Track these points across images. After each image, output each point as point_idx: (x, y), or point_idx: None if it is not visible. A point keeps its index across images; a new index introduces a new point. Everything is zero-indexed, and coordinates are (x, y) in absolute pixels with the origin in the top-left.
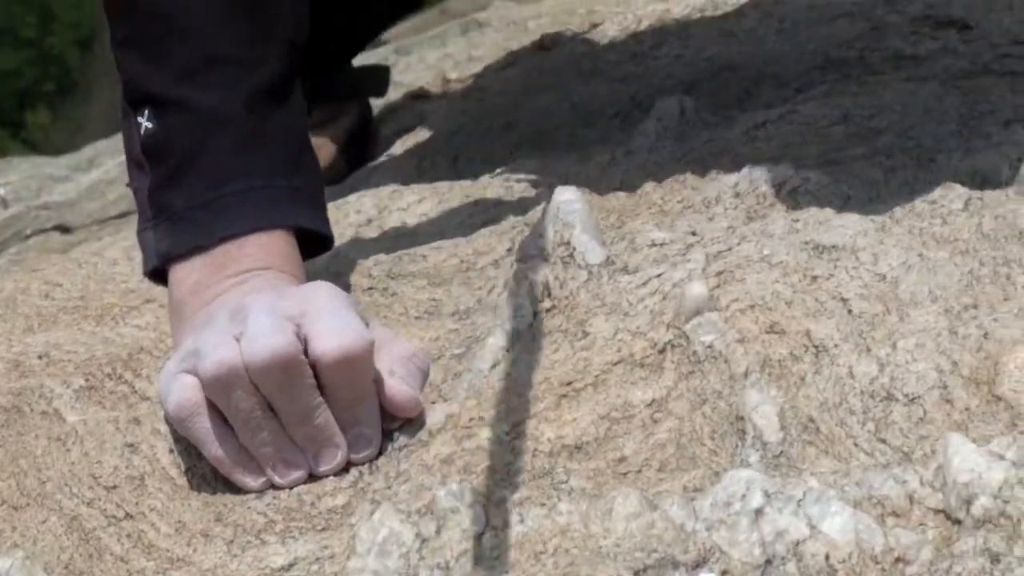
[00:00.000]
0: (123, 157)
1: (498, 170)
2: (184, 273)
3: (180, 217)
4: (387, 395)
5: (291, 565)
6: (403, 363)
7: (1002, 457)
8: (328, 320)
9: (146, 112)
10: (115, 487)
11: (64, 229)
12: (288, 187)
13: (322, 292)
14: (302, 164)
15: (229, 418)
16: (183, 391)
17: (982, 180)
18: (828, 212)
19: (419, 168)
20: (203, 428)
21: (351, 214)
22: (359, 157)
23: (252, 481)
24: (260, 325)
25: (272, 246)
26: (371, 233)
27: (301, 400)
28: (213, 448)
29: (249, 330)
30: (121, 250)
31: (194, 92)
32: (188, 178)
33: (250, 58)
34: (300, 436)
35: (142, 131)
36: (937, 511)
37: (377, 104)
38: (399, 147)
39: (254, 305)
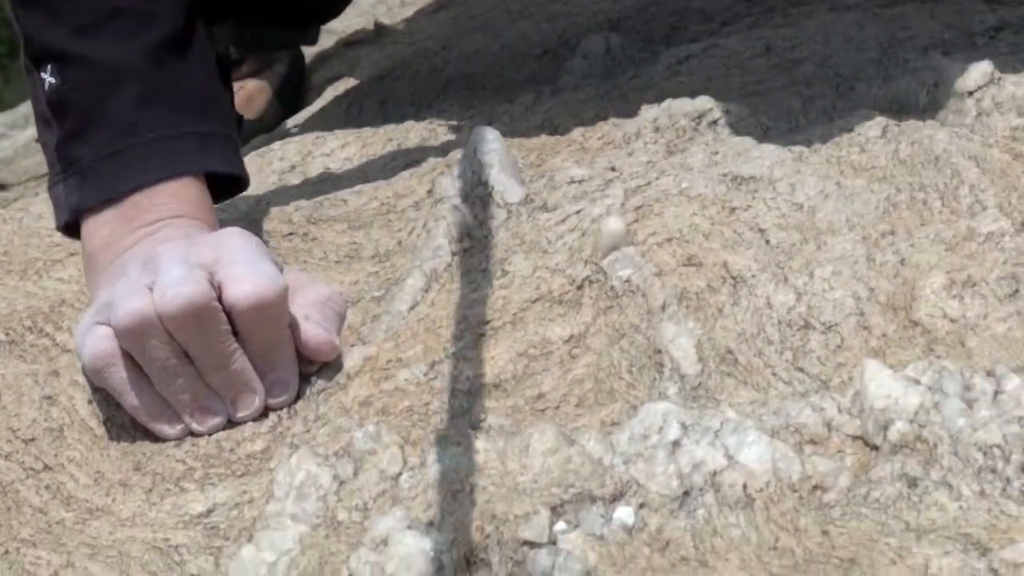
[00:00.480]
0: None
1: (424, 113)
2: (95, 226)
3: (88, 170)
4: (302, 339)
5: (210, 511)
6: (319, 307)
7: (918, 382)
8: (241, 266)
9: (49, 68)
10: (33, 439)
11: (0, 186)
12: (195, 133)
13: (234, 238)
14: (211, 108)
15: (144, 367)
16: (97, 342)
17: (900, 107)
18: (747, 143)
19: (347, 114)
20: (119, 378)
21: (275, 161)
22: (292, 105)
23: (170, 429)
24: (171, 274)
25: (182, 194)
26: (294, 179)
27: (216, 347)
28: (130, 398)
29: (160, 279)
30: (47, 204)
31: (95, 46)
32: (94, 131)
33: (149, 10)
34: (216, 382)
35: (46, 86)
36: (855, 438)
37: (309, 52)
38: (330, 94)
39: (165, 255)
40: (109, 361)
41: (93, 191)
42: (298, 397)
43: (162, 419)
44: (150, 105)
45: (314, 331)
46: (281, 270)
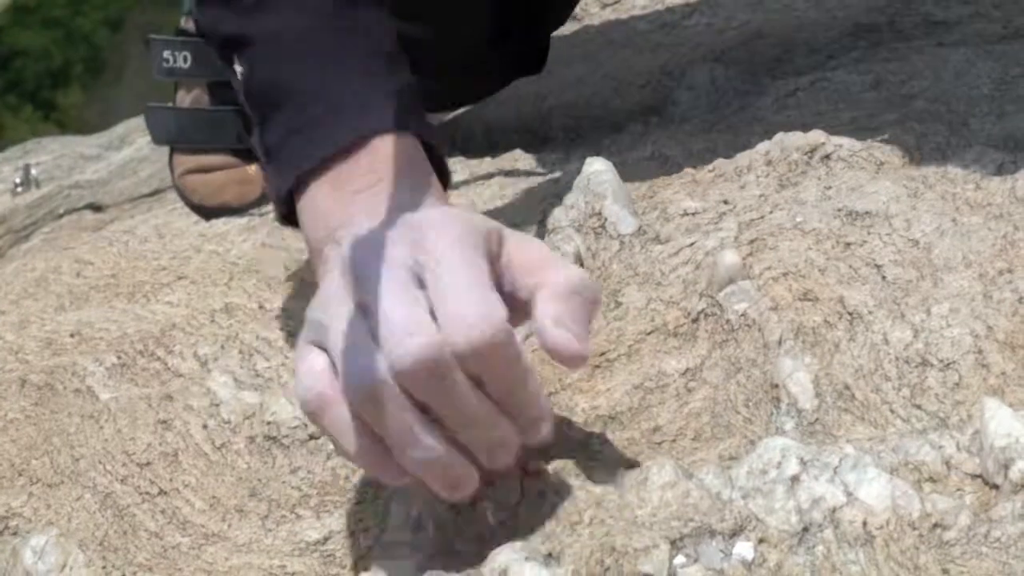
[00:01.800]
0: None
1: (530, 141)
2: (304, 204)
3: (281, 150)
4: (549, 346)
5: (326, 539)
6: (567, 301)
7: None
8: (453, 301)
9: (234, 58)
10: (148, 464)
11: (96, 208)
12: (382, 92)
13: (443, 237)
14: (392, 68)
15: (383, 435)
16: (314, 381)
17: (1015, 144)
18: (861, 178)
19: (452, 140)
20: (339, 421)
21: None
22: None
23: (393, 481)
24: (393, 322)
25: (386, 153)
26: None
27: (456, 399)
28: (347, 443)
29: (383, 330)
30: (152, 228)
31: (263, 21)
32: (279, 111)
33: None
34: (469, 439)
35: (240, 78)
36: (974, 476)
37: None
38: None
39: (386, 295)
40: (326, 404)
41: (289, 171)
42: None
43: (386, 471)
44: (327, 71)
45: (564, 338)
46: (504, 238)
